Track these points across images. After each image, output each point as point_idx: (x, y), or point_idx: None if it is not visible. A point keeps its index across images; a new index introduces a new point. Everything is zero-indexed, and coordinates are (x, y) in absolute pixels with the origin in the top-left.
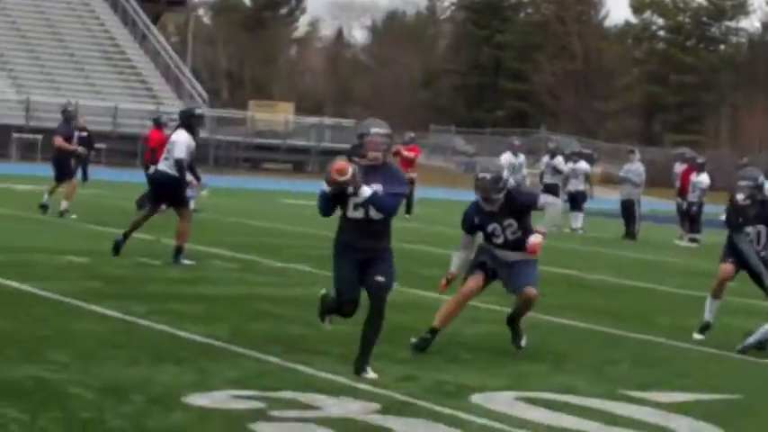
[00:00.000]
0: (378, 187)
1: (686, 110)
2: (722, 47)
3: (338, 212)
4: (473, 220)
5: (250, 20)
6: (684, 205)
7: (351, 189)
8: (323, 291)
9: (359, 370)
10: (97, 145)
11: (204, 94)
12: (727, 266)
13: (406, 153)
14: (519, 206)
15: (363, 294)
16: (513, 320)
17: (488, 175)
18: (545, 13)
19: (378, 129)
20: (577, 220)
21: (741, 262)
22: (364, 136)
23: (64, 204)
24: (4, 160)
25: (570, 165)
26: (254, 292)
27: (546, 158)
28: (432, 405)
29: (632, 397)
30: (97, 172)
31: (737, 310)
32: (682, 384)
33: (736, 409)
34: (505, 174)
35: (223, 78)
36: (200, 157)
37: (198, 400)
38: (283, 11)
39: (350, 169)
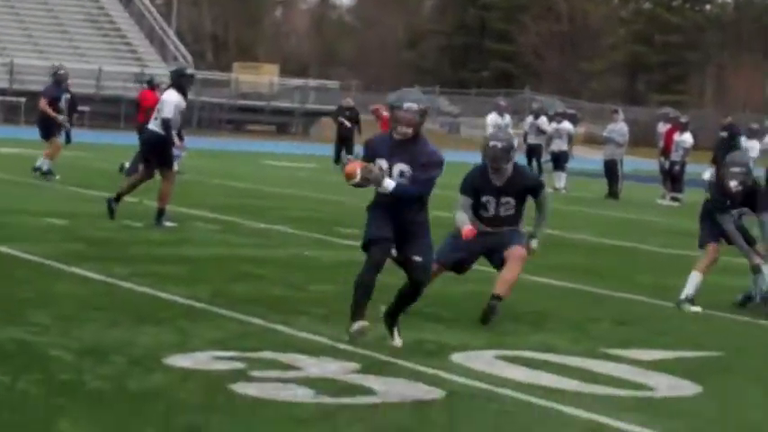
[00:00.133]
0: (404, 167)
1: (671, 69)
2: (708, 7)
3: None
4: (473, 185)
5: None
6: (667, 164)
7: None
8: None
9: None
10: (81, 107)
11: (189, 57)
12: (716, 246)
13: (386, 113)
14: (524, 188)
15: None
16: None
17: (500, 144)
18: None
19: (411, 104)
20: (560, 180)
21: (726, 239)
22: (395, 109)
23: (46, 164)
24: None
25: (554, 125)
26: (235, 253)
27: (530, 119)
28: (412, 364)
29: (612, 355)
30: (80, 134)
31: (719, 269)
32: (662, 342)
33: (716, 366)
34: (515, 143)
35: (208, 40)
36: (184, 119)
37: (179, 361)
38: None
39: (358, 171)
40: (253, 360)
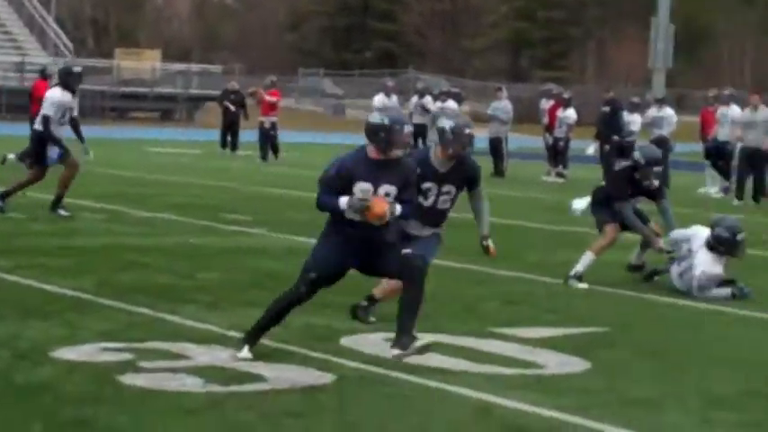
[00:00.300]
0: (391, 188)
1: (553, 46)
2: None
3: None
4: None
5: None
6: (551, 141)
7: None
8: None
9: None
10: None
11: (69, 44)
12: (615, 227)
13: (268, 98)
14: (466, 177)
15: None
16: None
17: (471, 130)
18: None
19: (409, 126)
20: None
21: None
22: (394, 129)
23: None
24: None
25: (438, 104)
26: (121, 242)
27: (415, 98)
28: (302, 350)
29: (501, 334)
30: None
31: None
32: (550, 320)
33: (602, 341)
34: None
35: (88, 26)
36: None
37: (66, 353)
38: None
39: (388, 213)
40: (141, 350)
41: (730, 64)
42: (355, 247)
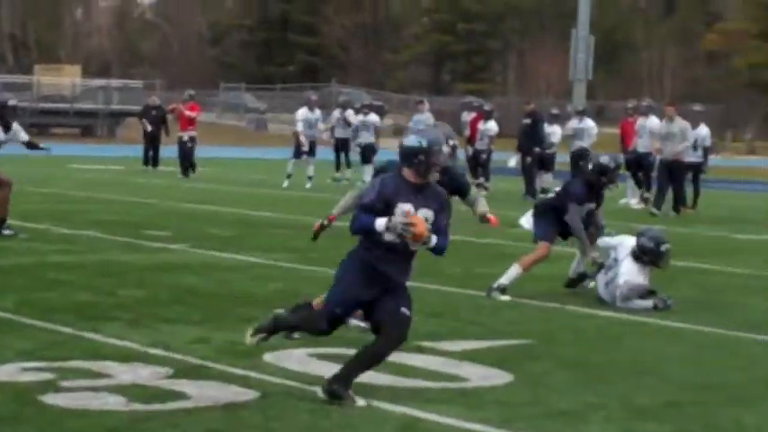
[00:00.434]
0: (429, 213)
1: (475, 58)
2: None
3: None
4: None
5: None
6: (471, 152)
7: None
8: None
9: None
10: None
11: None
12: (547, 246)
13: (188, 112)
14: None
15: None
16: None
17: (448, 148)
18: None
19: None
20: (368, 173)
21: (560, 233)
22: (433, 151)
23: None
24: None
25: (360, 117)
26: (42, 260)
27: (337, 112)
28: (224, 366)
29: (424, 347)
30: None
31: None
32: (473, 332)
33: (526, 353)
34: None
35: (7, 42)
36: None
37: None
38: None
39: (426, 233)
40: (62, 369)
41: (650, 75)
42: (372, 280)
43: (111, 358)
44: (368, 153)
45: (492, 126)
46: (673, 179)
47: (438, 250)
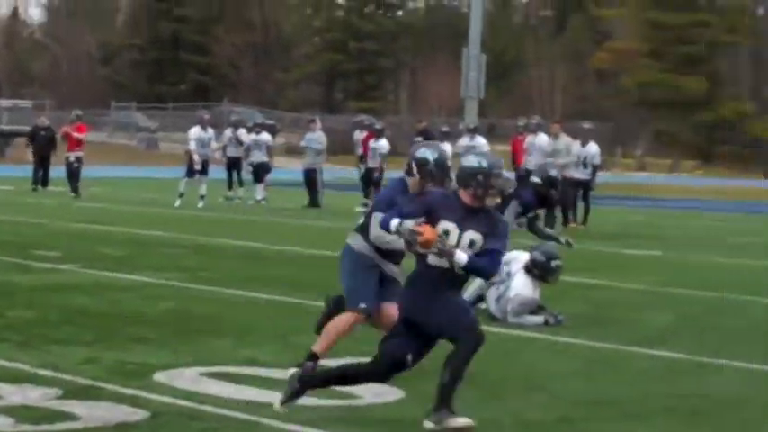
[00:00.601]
0: (476, 237)
1: (367, 77)
2: (400, 12)
3: None
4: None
5: None
6: (363, 170)
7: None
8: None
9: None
10: None
11: None
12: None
13: (75, 134)
14: None
15: None
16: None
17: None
18: None
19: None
20: (260, 192)
21: None
22: (493, 173)
23: None
24: None
25: (252, 136)
26: None
27: (229, 131)
28: (114, 386)
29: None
30: None
31: None
32: (366, 350)
33: (417, 370)
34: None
35: None
36: None
37: None
38: None
39: (438, 242)
40: None
41: (540, 93)
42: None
43: (0, 380)
44: (260, 172)
45: (384, 144)
46: (562, 195)
47: (477, 272)
